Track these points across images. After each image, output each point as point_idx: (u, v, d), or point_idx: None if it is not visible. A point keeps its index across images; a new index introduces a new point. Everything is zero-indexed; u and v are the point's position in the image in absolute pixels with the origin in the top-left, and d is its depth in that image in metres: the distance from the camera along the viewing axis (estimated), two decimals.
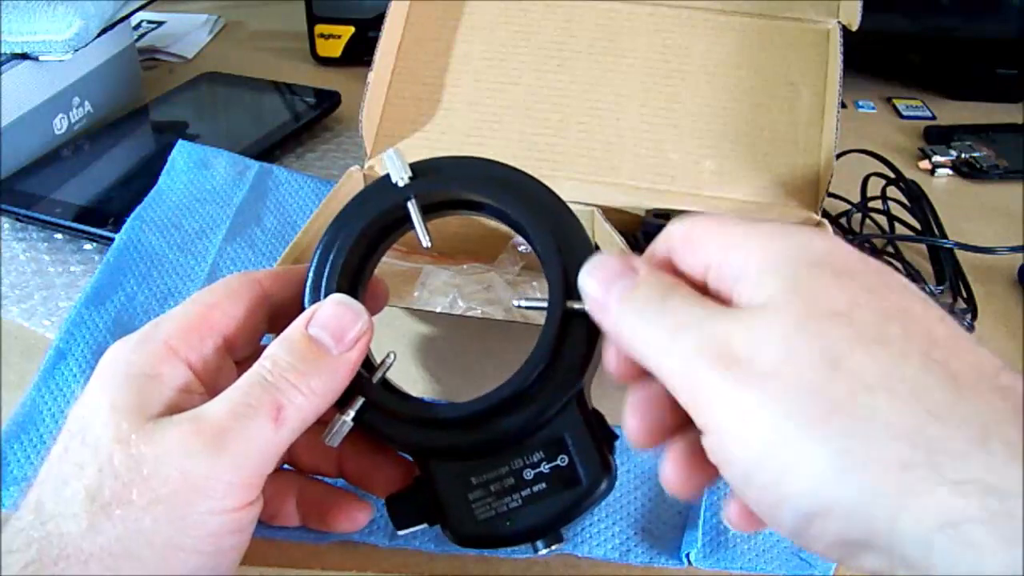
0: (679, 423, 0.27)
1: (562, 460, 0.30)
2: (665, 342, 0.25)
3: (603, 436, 0.31)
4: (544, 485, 0.30)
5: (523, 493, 0.30)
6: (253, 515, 0.28)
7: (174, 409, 0.28)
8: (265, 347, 0.30)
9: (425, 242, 0.33)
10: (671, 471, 0.28)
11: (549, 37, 0.53)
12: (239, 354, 0.31)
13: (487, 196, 0.33)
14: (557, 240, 0.32)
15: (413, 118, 0.51)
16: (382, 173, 0.33)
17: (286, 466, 0.35)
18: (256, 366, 0.29)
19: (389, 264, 0.51)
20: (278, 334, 0.30)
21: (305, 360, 0.29)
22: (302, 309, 0.31)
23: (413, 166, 0.33)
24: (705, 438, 0.24)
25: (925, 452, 0.20)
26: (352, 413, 0.30)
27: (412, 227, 0.34)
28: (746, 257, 0.25)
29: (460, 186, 0.34)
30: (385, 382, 0.32)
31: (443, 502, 0.31)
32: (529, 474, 0.31)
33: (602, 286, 0.27)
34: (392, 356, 0.32)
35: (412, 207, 0.33)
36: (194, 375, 0.29)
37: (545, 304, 0.31)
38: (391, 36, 0.52)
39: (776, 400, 0.22)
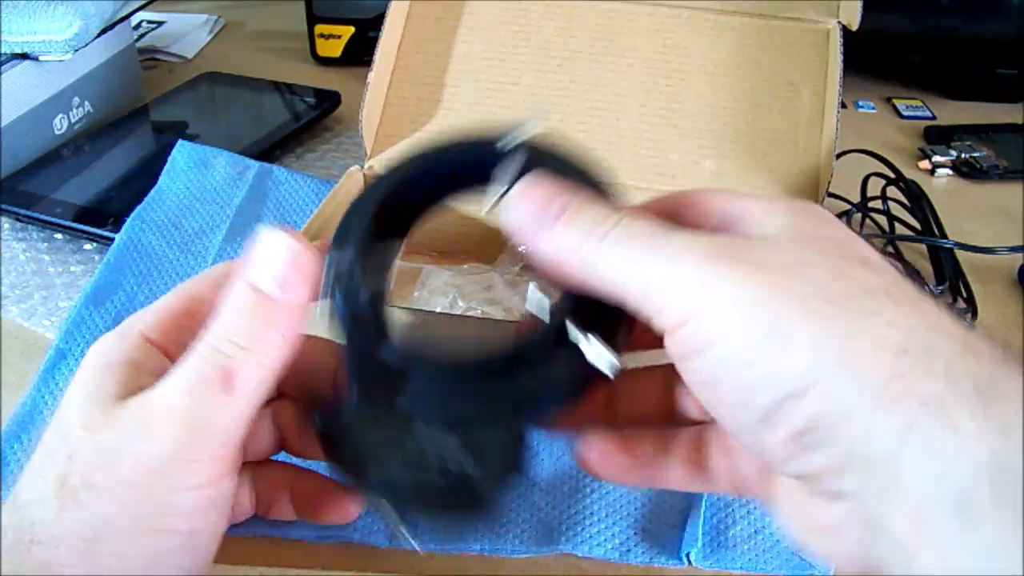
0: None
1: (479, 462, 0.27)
2: (633, 250, 0.24)
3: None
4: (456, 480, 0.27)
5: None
6: (226, 490, 0.28)
7: None
8: None
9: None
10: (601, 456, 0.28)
11: (549, 37, 0.53)
12: None
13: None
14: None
15: (413, 118, 0.51)
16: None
17: (281, 457, 0.35)
18: (204, 334, 0.27)
19: None
20: None
21: (250, 314, 0.27)
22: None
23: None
24: (682, 329, 0.23)
25: (923, 350, 0.21)
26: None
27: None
28: (747, 206, 0.26)
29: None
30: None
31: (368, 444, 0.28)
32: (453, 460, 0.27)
33: (536, 201, 0.26)
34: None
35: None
36: (172, 364, 0.28)
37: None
38: (391, 36, 0.52)
39: (782, 287, 0.22)
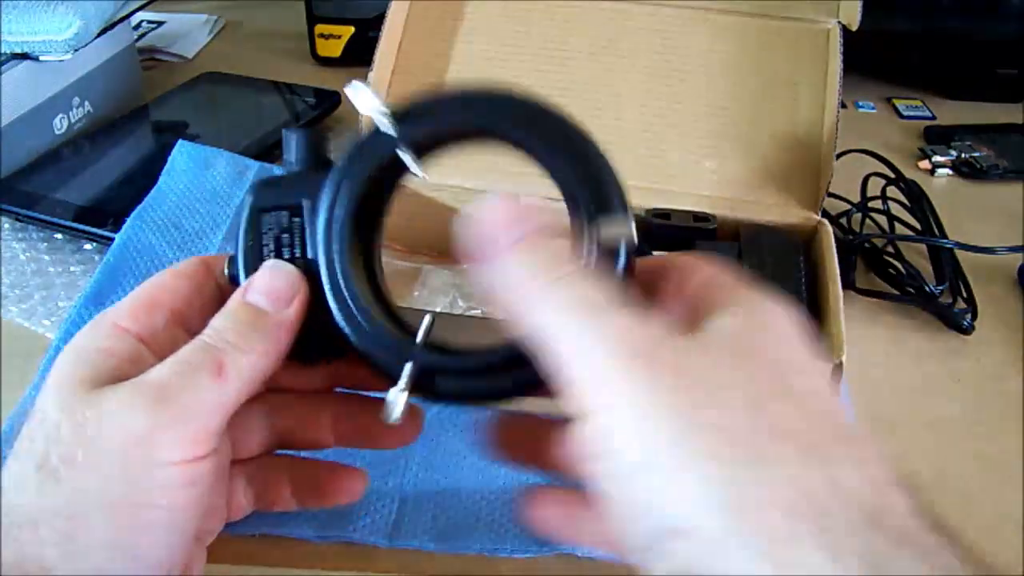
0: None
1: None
2: (566, 311, 0.24)
3: None
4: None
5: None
6: (206, 469, 0.28)
7: (123, 378, 0.28)
8: None
9: (419, 174, 0.31)
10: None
11: (549, 37, 0.53)
12: (194, 329, 0.31)
13: (489, 123, 0.30)
14: (581, 173, 0.29)
15: None
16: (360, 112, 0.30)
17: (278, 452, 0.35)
18: (198, 336, 0.29)
19: (389, 264, 0.51)
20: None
21: (244, 322, 0.29)
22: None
23: (395, 110, 0.30)
24: (584, 425, 0.23)
25: (817, 516, 0.20)
26: (404, 382, 0.29)
27: (408, 172, 0.31)
28: (719, 296, 0.25)
29: (456, 121, 0.31)
30: (428, 343, 0.30)
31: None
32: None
33: (492, 224, 0.26)
34: (430, 317, 0.30)
35: (404, 153, 0.30)
36: (145, 347, 0.30)
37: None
38: (391, 36, 0.52)
39: (691, 410, 0.21)
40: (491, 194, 0.27)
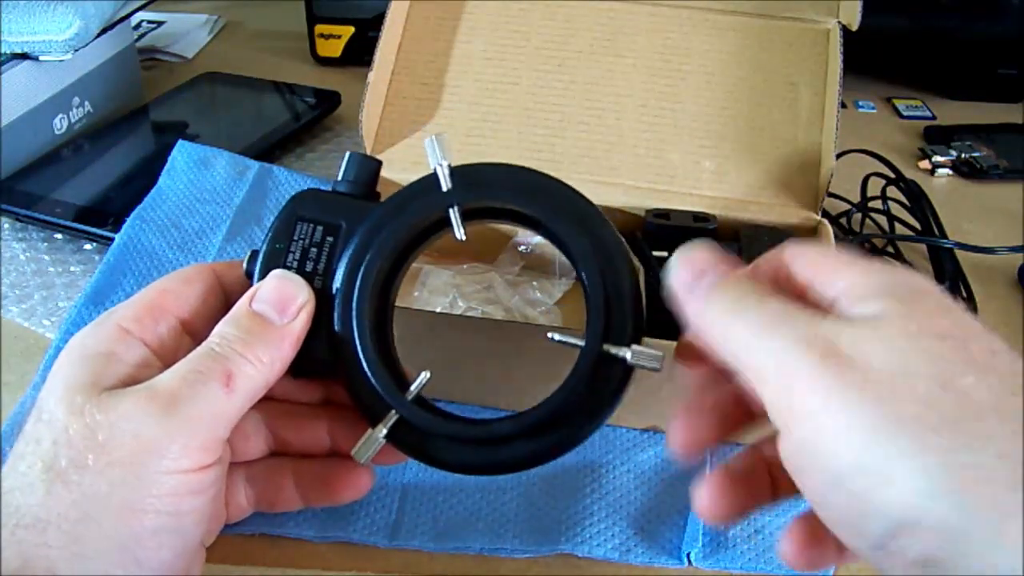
0: (726, 432, 0.29)
1: None
2: (759, 334, 0.25)
3: None
4: None
5: None
6: (212, 478, 0.29)
7: (130, 383, 0.28)
8: None
9: (461, 236, 0.32)
10: (796, 547, 0.28)
11: (549, 37, 0.53)
12: (199, 335, 0.31)
13: (535, 211, 0.32)
14: (603, 274, 0.31)
15: (413, 118, 0.51)
16: (429, 164, 0.32)
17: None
18: (205, 342, 0.30)
19: None
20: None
21: (251, 332, 0.30)
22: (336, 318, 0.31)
23: (455, 170, 0.32)
24: (788, 439, 0.24)
25: None
26: (384, 430, 0.31)
27: (450, 230, 0.33)
28: (855, 277, 0.25)
29: (506, 198, 0.32)
30: (419, 399, 0.31)
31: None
32: None
33: (693, 270, 0.27)
34: (427, 375, 0.31)
35: (454, 214, 0.32)
36: (151, 352, 0.30)
37: (581, 342, 0.30)
38: (391, 36, 0.52)
39: (884, 403, 0.22)
40: (688, 244, 0.29)
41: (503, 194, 0.32)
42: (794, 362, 0.23)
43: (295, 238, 0.32)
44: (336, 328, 0.31)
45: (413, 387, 0.31)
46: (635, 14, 0.53)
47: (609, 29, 0.53)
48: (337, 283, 0.32)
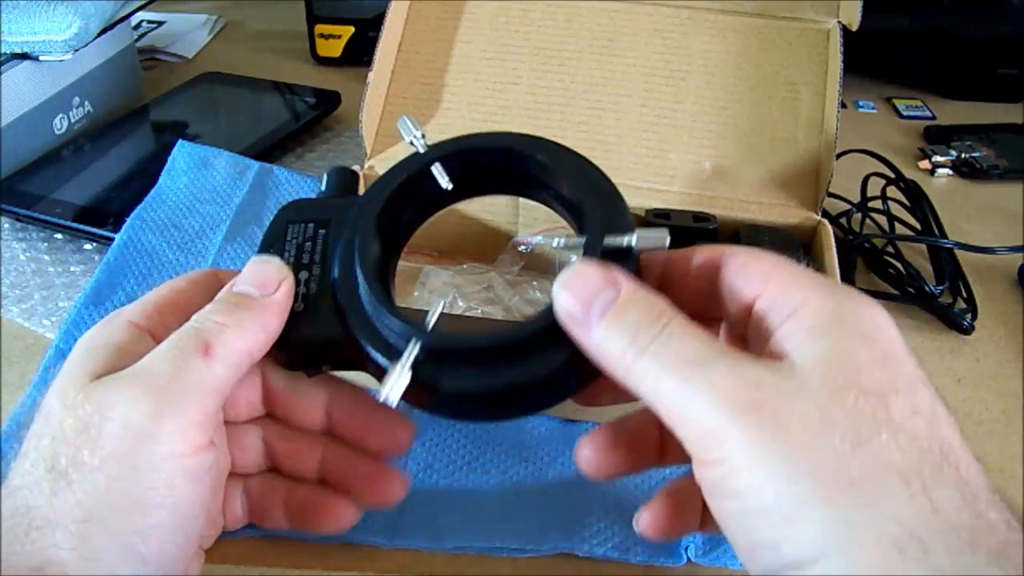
0: (640, 459, 0.30)
1: None
2: (675, 376, 0.25)
3: None
4: None
5: None
6: (208, 463, 0.28)
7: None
8: None
9: (446, 184, 0.33)
10: (662, 510, 0.30)
11: (550, 37, 0.53)
12: None
13: (506, 142, 0.33)
14: (583, 176, 0.31)
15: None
16: (404, 139, 0.34)
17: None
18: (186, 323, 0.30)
19: None
20: None
21: (230, 303, 0.30)
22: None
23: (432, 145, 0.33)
24: (703, 470, 0.25)
25: (918, 547, 0.21)
26: (407, 359, 0.28)
27: (438, 197, 0.33)
28: (804, 301, 0.25)
29: (479, 141, 0.34)
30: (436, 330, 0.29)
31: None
32: None
33: (579, 299, 0.26)
34: (441, 304, 0.30)
35: (436, 168, 0.33)
36: (156, 344, 0.30)
37: (582, 240, 0.29)
38: (391, 36, 0.52)
39: (800, 459, 0.23)
40: (572, 265, 0.27)
41: (475, 139, 0.34)
42: (715, 413, 0.24)
43: (288, 239, 0.33)
44: (340, 297, 0.31)
45: (430, 316, 0.29)
46: (635, 14, 0.53)
47: (609, 29, 0.53)
48: (337, 258, 0.32)
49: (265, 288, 0.30)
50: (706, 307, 0.29)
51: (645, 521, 0.31)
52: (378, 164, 0.50)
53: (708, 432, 0.24)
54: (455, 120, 0.51)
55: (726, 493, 0.24)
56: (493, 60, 0.53)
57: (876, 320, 0.25)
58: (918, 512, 0.22)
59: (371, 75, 0.50)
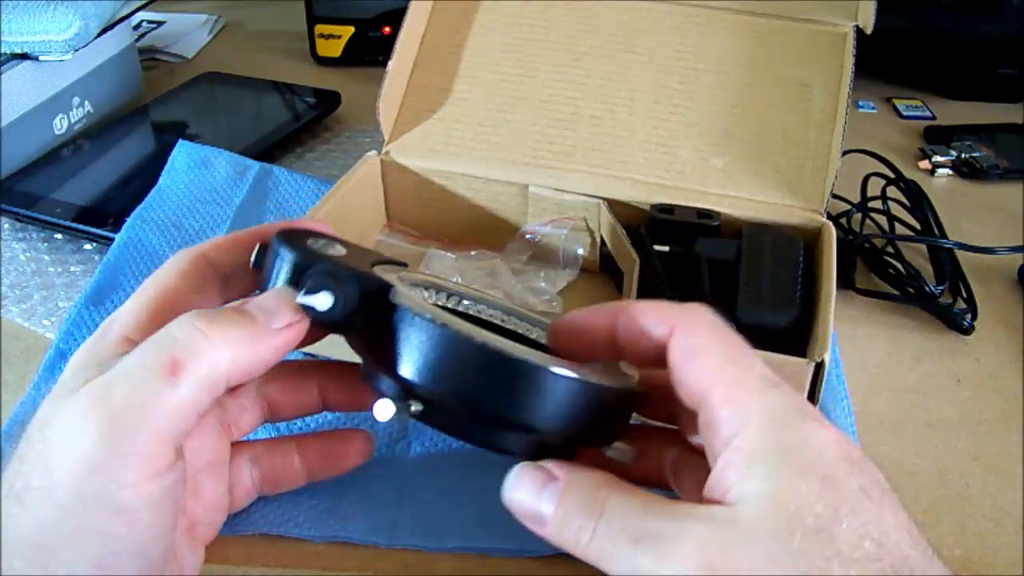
0: None
1: None
2: (623, 553, 0.25)
3: None
4: None
5: None
6: (167, 485, 0.26)
7: None
8: None
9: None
10: None
11: (567, 33, 0.54)
12: None
13: None
14: None
15: (431, 107, 0.52)
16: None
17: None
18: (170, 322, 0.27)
19: (396, 246, 0.52)
20: (236, 295, 0.31)
21: (221, 314, 0.27)
22: None
23: None
24: None
25: None
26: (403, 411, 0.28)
27: None
28: (743, 424, 0.25)
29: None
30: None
31: None
32: None
33: (531, 499, 0.27)
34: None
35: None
36: None
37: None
38: (412, 27, 0.53)
39: None
40: (518, 467, 0.28)
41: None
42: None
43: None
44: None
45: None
46: (654, 12, 0.54)
47: (627, 26, 0.53)
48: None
49: (271, 319, 0.27)
50: (615, 354, 0.29)
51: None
52: (394, 151, 0.51)
53: None
54: (470, 109, 0.52)
55: None
56: (511, 53, 0.53)
57: (812, 440, 0.25)
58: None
59: (391, 64, 0.51)
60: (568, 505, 0.26)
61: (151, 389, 0.25)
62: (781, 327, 0.42)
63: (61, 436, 0.25)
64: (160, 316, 0.29)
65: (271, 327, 0.27)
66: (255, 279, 0.31)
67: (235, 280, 0.32)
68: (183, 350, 0.26)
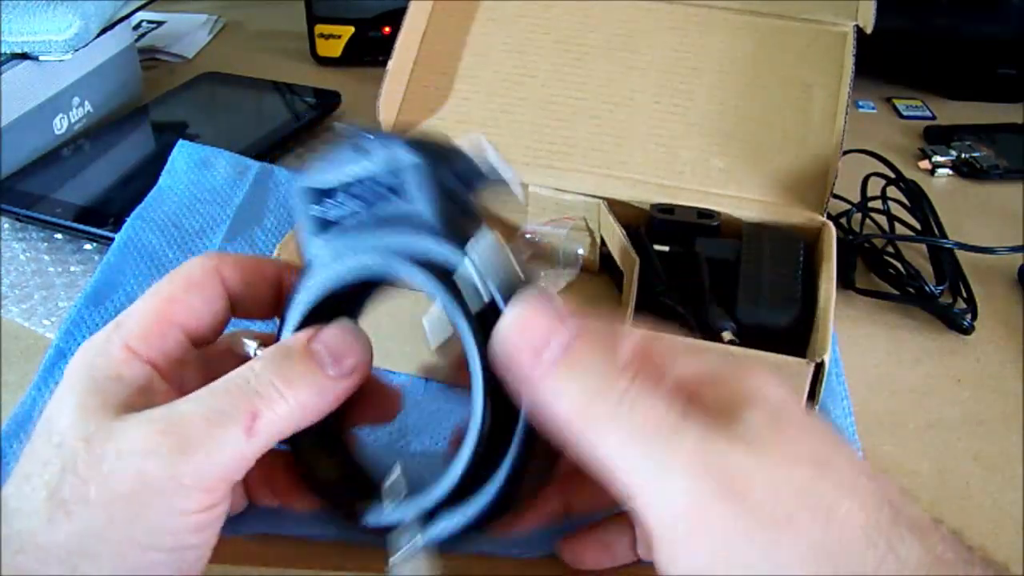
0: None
1: None
2: (641, 445, 0.23)
3: None
4: None
5: None
6: (215, 516, 0.28)
7: (138, 407, 0.27)
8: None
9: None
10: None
11: (567, 33, 0.54)
12: (203, 342, 0.31)
13: None
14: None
15: (431, 106, 0.52)
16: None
17: None
18: (244, 367, 0.28)
19: None
20: (243, 316, 0.31)
21: (297, 369, 0.28)
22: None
23: None
24: (662, 546, 0.23)
25: None
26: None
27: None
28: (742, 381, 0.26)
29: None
30: None
31: None
32: None
33: (529, 342, 0.24)
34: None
35: None
36: (157, 373, 0.29)
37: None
38: (412, 26, 0.53)
39: (771, 550, 0.22)
40: (520, 300, 0.25)
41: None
42: (687, 490, 0.23)
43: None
44: None
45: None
46: (654, 12, 0.54)
47: (627, 26, 0.53)
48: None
49: (339, 364, 0.28)
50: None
51: (567, 552, 0.33)
52: None
53: (681, 514, 0.23)
54: (471, 108, 0.52)
55: (683, 567, 0.23)
56: (512, 53, 0.53)
57: (788, 399, 0.26)
58: (889, 570, 0.22)
59: (391, 64, 0.51)
60: (581, 364, 0.24)
61: (229, 438, 0.26)
62: (781, 327, 0.42)
63: (131, 457, 0.26)
64: (162, 328, 0.29)
65: (337, 374, 0.28)
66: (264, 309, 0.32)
67: (242, 303, 0.32)
68: (263, 405, 0.27)
